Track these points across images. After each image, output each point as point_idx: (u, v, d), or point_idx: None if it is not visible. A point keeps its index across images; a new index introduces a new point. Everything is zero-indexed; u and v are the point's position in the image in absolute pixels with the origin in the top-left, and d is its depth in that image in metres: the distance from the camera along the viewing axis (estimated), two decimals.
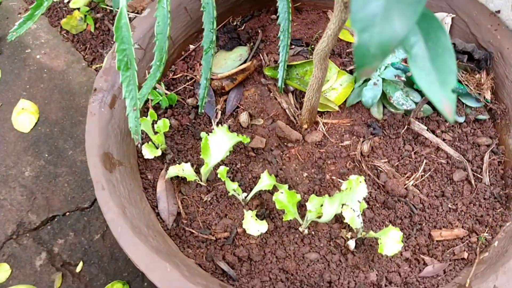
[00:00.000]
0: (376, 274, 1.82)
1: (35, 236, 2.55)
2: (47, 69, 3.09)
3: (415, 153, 2.09)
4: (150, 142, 2.07)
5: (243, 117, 2.16)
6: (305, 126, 2.14)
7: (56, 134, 2.83)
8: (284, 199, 1.78)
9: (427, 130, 2.10)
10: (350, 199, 1.75)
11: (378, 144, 2.11)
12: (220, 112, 2.22)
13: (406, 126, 2.13)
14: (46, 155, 2.76)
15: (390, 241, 1.71)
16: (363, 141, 2.11)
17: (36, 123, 2.84)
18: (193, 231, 1.91)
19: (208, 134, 1.84)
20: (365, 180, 2.00)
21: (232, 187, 1.80)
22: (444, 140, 2.11)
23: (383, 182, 2.02)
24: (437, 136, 2.11)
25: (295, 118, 2.19)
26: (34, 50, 3.14)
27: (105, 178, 1.80)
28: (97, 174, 1.80)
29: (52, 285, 2.39)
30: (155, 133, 2.04)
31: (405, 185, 2.01)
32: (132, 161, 2.01)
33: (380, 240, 1.72)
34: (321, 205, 1.81)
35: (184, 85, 2.28)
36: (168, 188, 2.00)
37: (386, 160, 2.08)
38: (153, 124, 2.09)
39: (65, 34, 3.15)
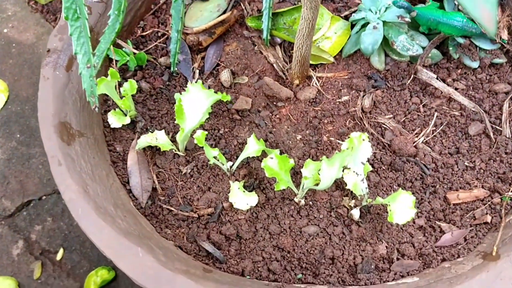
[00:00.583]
0: (386, 246, 1.56)
1: (11, 224, 2.32)
2: (16, 43, 2.81)
3: (423, 106, 1.82)
4: (117, 109, 1.78)
5: (225, 76, 1.87)
6: (297, 81, 1.86)
7: (27, 112, 2.59)
8: (275, 165, 1.51)
9: (437, 78, 1.82)
10: (352, 161, 1.48)
11: (381, 98, 1.83)
12: (198, 71, 1.93)
13: (412, 76, 1.85)
14: (18, 136, 2.50)
15: (401, 207, 1.45)
16: (363, 96, 1.83)
17: (6, 101, 2.59)
18: (172, 209, 1.65)
19: (181, 94, 1.55)
20: (369, 140, 1.74)
21: (212, 154, 1.53)
22: (456, 89, 1.83)
23: (389, 140, 1.75)
24: (448, 85, 1.83)
25: (284, 74, 1.90)
26: (1, 24, 2.85)
27: (62, 151, 1.52)
28: (52, 147, 1.52)
29: (31, 275, 2.18)
30: (122, 97, 1.75)
31: (414, 142, 1.74)
32: (97, 131, 1.73)
33: (389, 207, 1.46)
34: (319, 171, 1.54)
35: (155, 43, 1.99)
36: (140, 160, 1.72)
37: (391, 115, 1.80)
38: (120, 87, 1.80)
39: (33, 5, 2.85)
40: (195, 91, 1.52)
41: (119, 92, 1.78)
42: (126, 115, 1.77)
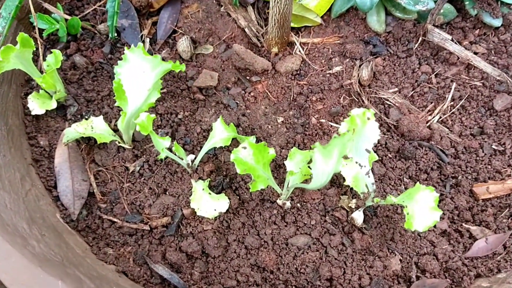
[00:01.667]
0: (400, 260, 1.18)
1: None
2: None
3: (436, 75, 1.44)
4: (41, 91, 1.36)
5: (183, 45, 1.46)
6: (275, 49, 1.46)
7: None
8: (249, 157, 1.11)
9: (452, 40, 1.44)
10: (354, 147, 1.09)
11: (382, 67, 1.45)
12: (148, 39, 1.51)
13: (420, 39, 1.46)
14: None
15: (421, 208, 1.07)
16: (360, 65, 1.44)
17: None
18: (115, 220, 1.24)
19: (118, 62, 1.14)
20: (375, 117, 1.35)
21: (163, 145, 1.11)
22: (475, 53, 1.46)
23: (395, 121, 1.37)
24: (465, 49, 1.45)
25: (259, 40, 1.50)
26: None
27: None
28: None
29: None
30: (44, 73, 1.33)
31: (427, 122, 1.37)
32: (13, 121, 1.30)
33: (405, 208, 1.07)
34: (309, 163, 1.15)
35: (94, 7, 1.55)
36: (72, 157, 1.30)
37: (396, 89, 1.42)
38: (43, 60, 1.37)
39: None
40: (135, 59, 1.10)
41: (44, 69, 1.35)
42: (51, 97, 1.35)
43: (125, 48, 1.10)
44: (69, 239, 1.15)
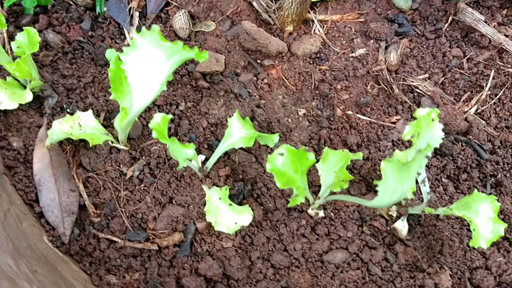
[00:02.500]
0: (451, 275, 1.05)
1: None
2: None
3: (468, 60, 1.29)
4: (9, 78, 1.09)
5: (181, 21, 1.22)
6: (289, 28, 1.25)
7: None
8: (288, 166, 0.92)
9: (485, 22, 1.29)
10: (412, 149, 0.92)
11: (409, 50, 1.28)
12: (137, 13, 1.25)
13: (450, 17, 1.30)
14: None
15: (483, 222, 0.94)
16: (386, 47, 1.27)
17: None
18: (115, 238, 1.02)
19: (121, 51, 0.89)
20: (399, 112, 1.20)
21: (185, 154, 0.89)
22: (506, 36, 1.32)
23: None
24: (497, 31, 1.31)
25: (270, 16, 1.28)
26: None
27: None
28: None
29: None
30: (15, 59, 1.06)
31: (464, 113, 1.22)
32: None
33: (472, 223, 0.93)
34: (345, 165, 0.98)
35: None
36: (55, 161, 1.06)
37: (426, 75, 1.27)
38: (10, 42, 1.10)
39: None
40: (147, 46, 0.87)
41: (10, 50, 1.08)
42: (25, 88, 1.08)
43: (134, 31, 0.86)
44: (64, 270, 0.92)
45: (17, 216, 0.95)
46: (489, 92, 1.25)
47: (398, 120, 1.20)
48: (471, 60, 1.29)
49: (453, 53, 1.29)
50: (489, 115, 1.24)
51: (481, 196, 0.96)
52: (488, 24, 1.30)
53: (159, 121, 0.89)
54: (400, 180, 0.80)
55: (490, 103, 1.25)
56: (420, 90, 1.24)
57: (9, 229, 0.89)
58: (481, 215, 0.95)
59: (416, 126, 0.88)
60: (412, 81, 1.25)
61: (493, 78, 1.27)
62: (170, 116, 0.90)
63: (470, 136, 1.21)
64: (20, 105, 1.06)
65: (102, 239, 1.03)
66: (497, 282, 1.06)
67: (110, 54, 1.02)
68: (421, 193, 1.12)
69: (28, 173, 1.05)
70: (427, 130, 0.90)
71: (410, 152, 0.88)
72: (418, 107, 1.23)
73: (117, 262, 1.01)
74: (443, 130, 1.17)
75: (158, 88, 0.92)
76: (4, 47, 1.12)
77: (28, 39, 1.02)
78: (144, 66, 0.89)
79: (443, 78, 1.27)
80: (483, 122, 1.23)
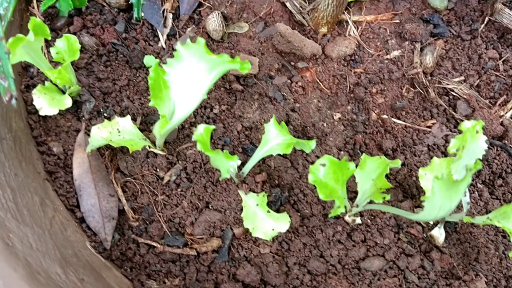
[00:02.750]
0: (486, 282, 1.05)
1: None
2: None
3: (504, 62, 1.27)
4: (47, 83, 1.09)
5: (214, 23, 1.22)
6: (323, 29, 1.24)
7: None
8: (330, 177, 0.92)
9: None
10: (457, 163, 0.92)
11: (444, 51, 1.27)
12: (171, 15, 1.25)
13: (487, 18, 1.28)
14: None
15: None
16: (422, 49, 1.25)
17: None
18: (154, 243, 1.04)
19: (163, 61, 0.89)
20: (435, 116, 1.19)
21: (229, 165, 0.90)
22: None
23: (464, 116, 1.21)
24: None
25: (304, 17, 1.27)
26: None
27: None
28: None
29: None
30: (55, 65, 1.06)
31: (500, 117, 1.21)
32: (17, 124, 1.04)
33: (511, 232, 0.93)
34: (384, 173, 0.98)
35: None
36: (94, 166, 1.07)
37: (461, 77, 1.25)
38: (48, 48, 1.10)
39: None
40: (191, 58, 0.86)
41: (48, 56, 1.08)
42: (64, 92, 1.09)
43: (178, 43, 0.85)
44: (109, 277, 0.94)
45: (61, 223, 0.96)
46: None
47: (433, 124, 1.20)
48: (507, 62, 1.27)
49: (489, 54, 1.27)
50: None
51: None
52: None
53: (203, 132, 0.89)
54: (448, 198, 0.80)
55: None
56: (455, 93, 1.23)
57: (55, 237, 0.91)
58: None
59: (462, 140, 0.88)
60: (448, 84, 1.23)
61: None
62: (213, 127, 0.91)
63: (506, 141, 1.20)
64: (60, 111, 1.07)
65: (141, 244, 1.04)
66: None
67: (149, 60, 1.03)
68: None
69: (68, 178, 1.06)
70: (471, 142, 0.89)
71: (455, 166, 0.88)
72: (454, 110, 1.22)
73: (157, 267, 1.03)
74: None
75: (200, 98, 0.92)
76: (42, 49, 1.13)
77: (68, 46, 1.02)
78: (188, 77, 0.89)
79: (478, 81, 1.25)
80: None
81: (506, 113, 1.22)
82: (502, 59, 1.27)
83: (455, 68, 1.26)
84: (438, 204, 0.81)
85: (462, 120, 1.21)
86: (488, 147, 1.18)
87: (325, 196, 0.89)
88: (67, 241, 0.94)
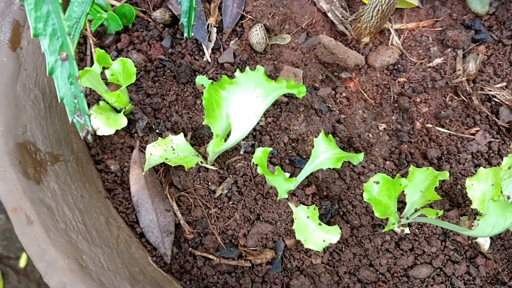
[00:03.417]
0: None
1: None
2: None
3: None
4: (102, 102, 1.13)
5: (257, 36, 1.24)
6: (366, 39, 1.25)
7: None
8: (383, 194, 0.95)
9: None
10: (506, 179, 0.94)
11: (486, 57, 1.28)
12: (215, 29, 1.27)
13: None
14: None
15: None
16: (464, 56, 1.26)
17: None
18: (210, 256, 1.08)
19: (208, 75, 0.92)
20: (477, 122, 1.20)
21: (287, 187, 0.94)
22: None
23: (507, 122, 1.22)
24: None
25: (346, 27, 1.28)
26: None
27: (29, 198, 0.90)
28: (12, 192, 0.90)
29: None
30: (108, 86, 1.10)
31: None
32: (77, 145, 1.09)
33: None
34: (433, 186, 1.01)
35: None
36: (150, 182, 1.12)
37: (504, 83, 1.26)
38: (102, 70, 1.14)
39: None
40: (248, 84, 0.89)
41: (101, 76, 1.12)
42: (117, 111, 1.13)
43: (238, 71, 0.88)
44: None
45: (125, 240, 1.01)
46: None
47: (477, 131, 1.21)
48: None
49: None
50: None
51: None
52: None
53: (261, 155, 0.93)
54: (503, 217, 0.83)
55: None
56: (497, 99, 1.24)
57: (122, 256, 0.96)
58: None
59: None
60: (490, 90, 1.25)
61: None
62: (270, 149, 0.94)
63: None
64: (117, 130, 1.11)
65: (198, 256, 1.09)
66: None
67: (201, 80, 1.06)
68: None
69: (126, 195, 1.11)
70: None
71: (507, 183, 0.91)
72: (497, 117, 1.23)
73: (214, 279, 1.08)
74: None
75: (256, 121, 0.95)
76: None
77: (123, 69, 1.05)
78: (245, 101, 0.92)
79: None
80: None
81: None
82: None
83: (497, 73, 1.27)
84: (492, 223, 0.84)
85: (505, 127, 1.22)
86: None
87: (381, 214, 0.93)
88: (133, 258, 0.99)
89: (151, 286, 0.95)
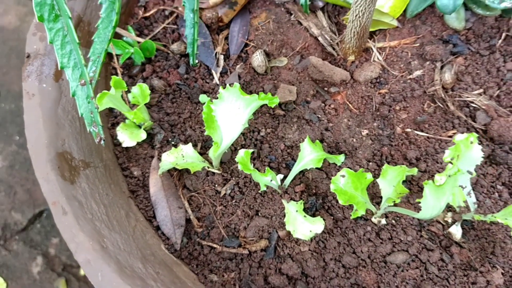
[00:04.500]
0: (503, 273, 1.19)
1: (25, 239, 2.07)
2: None
3: None
4: (127, 120, 1.39)
5: (258, 60, 1.45)
6: (352, 58, 1.43)
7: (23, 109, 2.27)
8: (349, 185, 1.12)
9: None
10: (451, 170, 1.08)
11: (464, 67, 1.41)
12: (222, 56, 1.50)
13: (504, 34, 1.40)
14: (17, 138, 2.17)
15: None
16: (442, 67, 1.40)
17: None
18: (214, 245, 1.29)
19: (212, 100, 1.15)
20: (456, 126, 1.33)
21: (265, 180, 1.14)
22: None
23: (483, 125, 1.34)
24: None
25: (334, 48, 1.47)
26: None
27: (65, 195, 1.15)
28: (52, 190, 1.15)
29: None
30: (132, 106, 1.36)
31: None
32: (106, 155, 1.34)
33: None
34: (401, 180, 1.16)
35: (162, 25, 1.56)
36: (166, 185, 1.34)
37: (481, 89, 1.38)
38: (127, 92, 1.40)
39: None
40: (231, 98, 1.11)
41: (127, 100, 1.38)
42: (140, 127, 1.38)
43: (221, 88, 1.10)
44: (178, 271, 1.20)
45: (141, 230, 1.24)
46: None
47: (454, 134, 1.34)
48: None
49: (507, 67, 1.39)
50: None
51: None
52: None
53: (243, 155, 1.13)
54: (437, 199, 0.97)
55: None
56: (475, 104, 1.37)
57: (137, 241, 1.19)
58: None
59: (455, 150, 1.04)
60: (468, 97, 1.38)
61: None
62: (251, 150, 1.14)
63: None
64: (137, 142, 1.36)
65: (205, 246, 1.29)
66: None
67: (203, 99, 1.28)
68: (477, 199, 1.27)
69: (147, 195, 1.34)
70: (466, 152, 1.05)
71: (451, 171, 1.05)
72: (473, 120, 1.35)
73: (217, 264, 1.27)
74: (496, 141, 1.31)
75: (241, 128, 1.16)
76: (121, 96, 1.42)
77: (140, 92, 1.31)
78: (229, 112, 1.13)
79: (498, 91, 1.38)
80: None
81: None
82: None
83: (475, 82, 1.40)
84: (430, 203, 0.98)
85: (481, 129, 1.35)
86: (507, 152, 1.31)
87: (344, 202, 1.09)
88: (146, 244, 1.21)
89: (159, 265, 1.16)
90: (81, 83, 1.01)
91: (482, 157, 1.28)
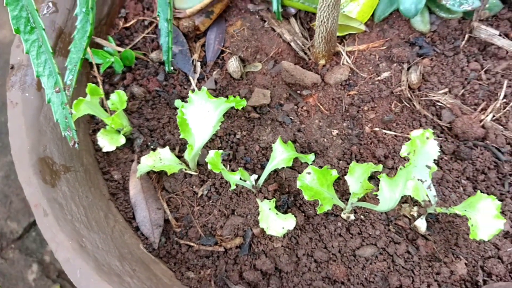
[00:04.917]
0: (466, 264, 1.24)
1: (21, 247, 2.12)
2: None
3: (486, 71, 1.45)
4: (108, 126, 1.45)
5: (233, 65, 1.51)
6: (322, 61, 1.49)
7: None
8: (314, 182, 1.17)
9: (500, 35, 1.44)
10: (415, 165, 1.13)
11: (430, 68, 1.47)
12: (199, 63, 1.57)
13: (466, 36, 1.47)
14: None
15: (484, 217, 1.12)
16: (408, 68, 1.46)
17: None
18: (191, 244, 1.34)
19: (187, 97, 1.21)
20: (423, 124, 1.39)
21: (234, 179, 1.19)
22: None
23: (448, 122, 1.40)
24: None
25: (305, 53, 1.53)
26: None
27: (46, 197, 1.21)
28: (34, 193, 1.21)
29: None
30: (112, 112, 1.42)
31: (481, 121, 1.39)
32: (87, 159, 1.40)
33: (470, 220, 1.12)
34: (369, 176, 1.21)
35: (142, 35, 1.62)
36: (145, 187, 1.40)
37: (446, 89, 1.44)
38: (107, 99, 1.46)
39: None
40: (200, 101, 1.17)
41: (107, 107, 1.44)
42: (119, 133, 1.44)
43: (190, 92, 1.17)
44: (155, 268, 1.25)
45: (120, 231, 1.30)
46: (504, 100, 1.40)
47: None
48: (489, 71, 1.44)
49: (471, 66, 1.45)
50: (506, 120, 1.39)
51: (482, 196, 1.14)
52: (504, 37, 1.44)
53: (213, 156, 1.19)
54: (392, 191, 1.03)
55: (507, 108, 1.40)
56: (441, 103, 1.43)
57: (115, 241, 1.24)
58: (482, 212, 1.13)
59: (411, 145, 1.09)
60: (434, 96, 1.43)
61: (510, 86, 1.41)
62: (221, 151, 1.20)
63: (488, 141, 1.37)
64: (117, 147, 1.42)
65: (182, 244, 1.35)
66: (509, 270, 1.22)
67: (178, 104, 1.34)
68: (442, 194, 1.32)
69: (127, 198, 1.40)
70: (422, 147, 1.11)
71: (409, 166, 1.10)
72: (439, 118, 1.41)
73: (194, 262, 1.33)
74: (461, 137, 1.36)
75: (212, 130, 1.22)
76: (102, 103, 1.49)
77: (118, 99, 1.37)
78: (200, 115, 1.19)
79: (463, 90, 1.44)
80: (501, 127, 1.38)
81: (487, 116, 1.39)
82: (484, 69, 1.44)
83: (441, 81, 1.45)
84: (387, 196, 1.04)
85: (447, 127, 1.40)
86: (471, 148, 1.36)
87: (309, 197, 1.15)
88: (124, 243, 1.26)
89: (136, 263, 1.22)
90: (55, 90, 1.07)
91: (447, 153, 1.35)
